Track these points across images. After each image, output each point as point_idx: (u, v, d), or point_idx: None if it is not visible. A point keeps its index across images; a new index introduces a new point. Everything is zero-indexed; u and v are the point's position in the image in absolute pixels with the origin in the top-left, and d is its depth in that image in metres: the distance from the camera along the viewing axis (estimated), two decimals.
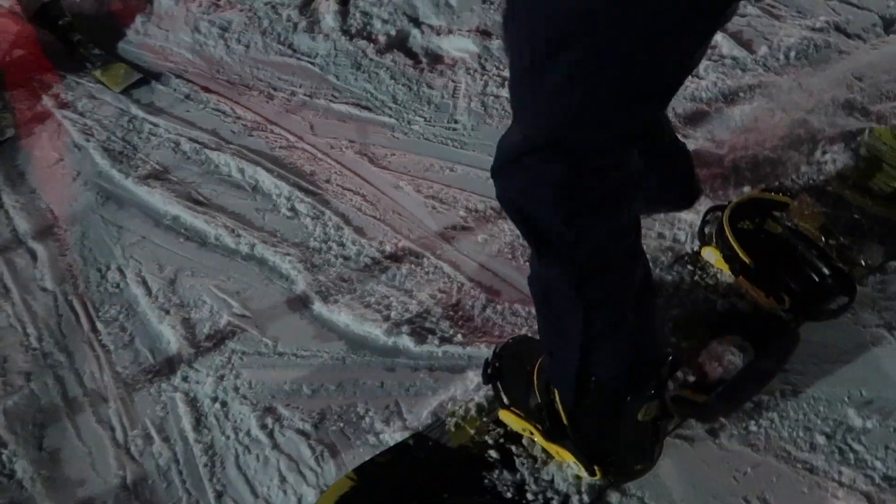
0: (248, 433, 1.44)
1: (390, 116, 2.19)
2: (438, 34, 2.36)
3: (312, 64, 2.41)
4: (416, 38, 2.37)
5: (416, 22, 2.41)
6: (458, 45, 2.33)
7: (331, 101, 2.29)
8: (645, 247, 1.25)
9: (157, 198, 2.03)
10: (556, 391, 1.20)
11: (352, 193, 1.97)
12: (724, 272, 1.53)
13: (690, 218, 1.69)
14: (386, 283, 1.72)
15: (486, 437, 1.33)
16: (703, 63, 2.09)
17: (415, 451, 1.34)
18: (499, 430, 1.33)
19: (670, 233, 1.70)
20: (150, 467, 1.40)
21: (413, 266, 1.75)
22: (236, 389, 1.51)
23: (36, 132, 2.41)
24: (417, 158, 2.03)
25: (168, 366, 1.60)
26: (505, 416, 1.31)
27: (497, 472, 1.28)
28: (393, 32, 2.39)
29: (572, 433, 1.21)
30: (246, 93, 2.40)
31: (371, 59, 2.35)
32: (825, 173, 1.74)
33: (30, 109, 2.54)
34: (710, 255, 1.56)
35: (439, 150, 2.06)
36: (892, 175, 1.69)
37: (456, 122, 2.11)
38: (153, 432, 1.46)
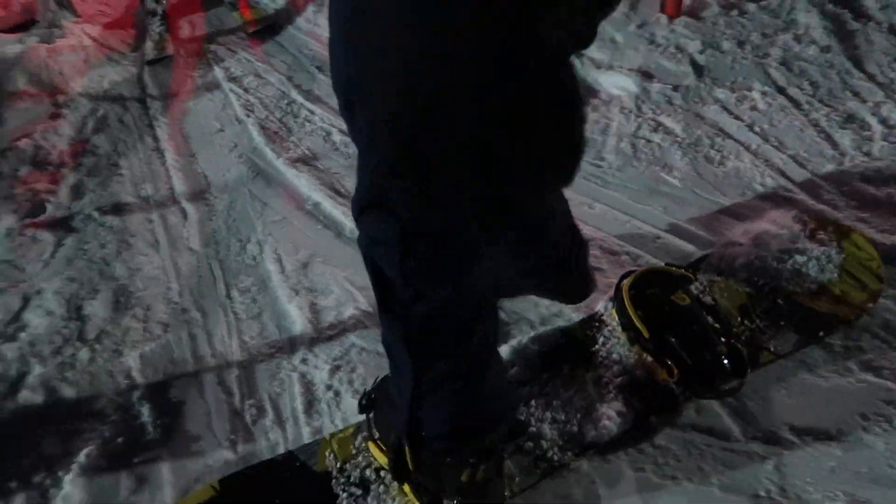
0: None
1: None
2: (598, 68, 2.35)
3: None
4: (577, 70, 2.36)
5: (579, 54, 2.40)
6: (616, 83, 2.31)
7: None
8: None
9: (303, 182, 2.12)
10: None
11: None
12: (624, 338, 1.53)
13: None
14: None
15: (350, 466, 1.34)
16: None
17: (281, 468, 1.36)
18: (366, 460, 1.34)
19: None
20: (260, 443, 1.46)
21: None
22: (350, 382, 1.55)
23: (205, 100, 2.59)
24: None
25: (290, 345, 1.66)
26: (371, 447, 1.32)
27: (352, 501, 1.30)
28: None
29: (413, 477, 1.22)
30: None
31: None
32: None
33: (202, 77, 2.73)
34: (614, 319, 1.56)
35: (580, 185, 2.03)
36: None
37: (602, 159, 2.09)
38: (267, 406, 1.53)
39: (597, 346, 1.53)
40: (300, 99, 2.50)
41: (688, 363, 1.40)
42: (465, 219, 1.04)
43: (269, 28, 2.95)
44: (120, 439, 1.48)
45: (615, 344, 1.53)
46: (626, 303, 1.50)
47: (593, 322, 1.59)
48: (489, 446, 1.20)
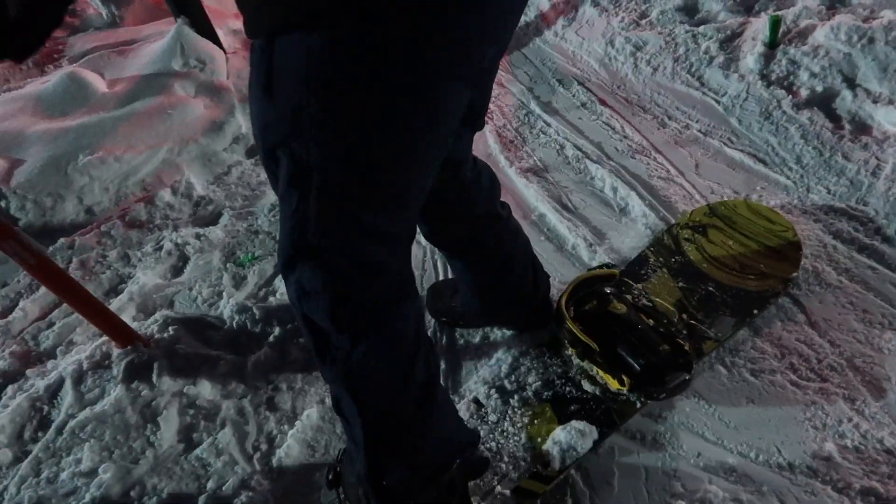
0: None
1: (788, 178, 2.01)
2: (875, 102, 2.08)
3: (717, 102, 2.32)
4: (845, 101, 2.12)
5: (851, 83, 2.15)
6: (894, 120, 2.03)
7: (725, 143, 2.18)
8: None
9: (532, 192, 2.15)
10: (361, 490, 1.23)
11: None
12: (574, 357, 1.57)
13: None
14: None
15: None
16: None
17: None
18: None
19: None
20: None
21: None
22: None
23: None
24: (808, 231, 1.83)
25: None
26: None
27: None
28: (819, 88, 2.17)
29: None
30: (640, 114, 2.41)
31: (784, 112, 2.17)
32: (681, 249, 1.79)
33: None
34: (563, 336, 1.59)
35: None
36: (745, 244, 1.76)
37: (866, 204, 1.85)
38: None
39: (552, 368, 1.58)
40: (538, 110, 2.54)
41: (636, 371, 1.46)
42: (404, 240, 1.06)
43: (514, 40, 3.03)
44: None
45: (568, 362, 1.58)
46: (568, 322, 1.53)
47: (538, 344, 1.64)
48: (449, 484, 1.19)
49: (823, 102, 2.15)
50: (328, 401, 1.63)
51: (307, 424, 1.58)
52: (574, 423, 1.43)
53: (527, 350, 1.64)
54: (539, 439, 1.44)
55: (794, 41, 2.29)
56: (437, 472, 1.20)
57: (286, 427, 1.59)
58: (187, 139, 2.59)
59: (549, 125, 2.45)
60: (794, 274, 1.65)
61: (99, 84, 2.80)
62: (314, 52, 0.82)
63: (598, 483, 1.39)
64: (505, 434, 1.49)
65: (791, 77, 2.24)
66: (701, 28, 2.52)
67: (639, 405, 1.48)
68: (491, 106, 2.63)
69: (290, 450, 1.53)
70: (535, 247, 1.96)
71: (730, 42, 2.45)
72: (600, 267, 1.75)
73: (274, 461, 1.52)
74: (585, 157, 2.25)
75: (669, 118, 2.35)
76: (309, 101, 0.86)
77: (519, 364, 1.62)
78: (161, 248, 2.16)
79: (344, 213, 0.97)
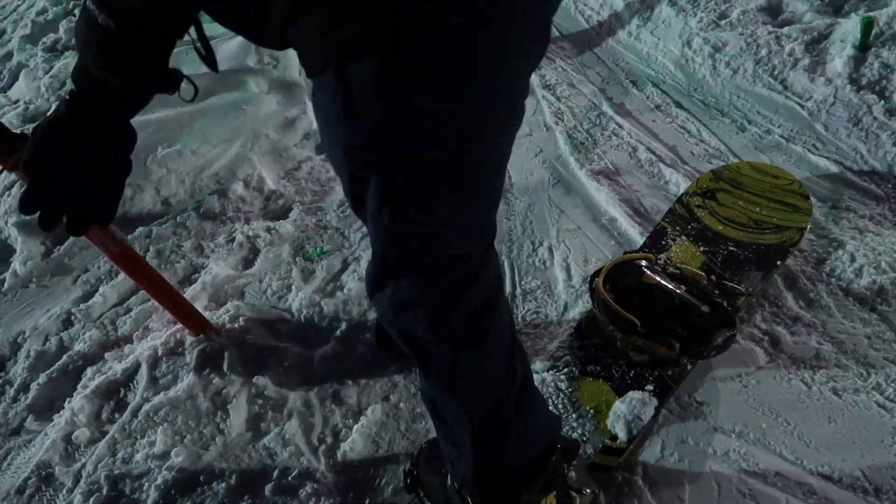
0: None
1: (878, 187, 1.90)
2: None
3: (802, 106, 2.22)
4: None
5: None
6: None
7: (810, 150, 2.09)
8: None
9: (602, 196, 2.11)
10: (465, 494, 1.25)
11: None
12: (617, 332, 1.60)
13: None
14: None
15: None
16: None
17: None
18: None
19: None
20: None
21: None
22: None
23: None
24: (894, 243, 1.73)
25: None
26: None
27: None
28: None
29: None
30: (717, 118, 2.33)
31: (875, 118, 2.06)
32: (696, 216, 1.85)
33: None
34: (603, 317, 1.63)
35: None
36: (755, 202, 1.84)
37: None
38: None
39: (596, 346, 1.62)
40: (610, 112, 2.49)
41: (683, 334, 1.51)
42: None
43: (586, 40, 2.98)
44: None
45: (613, 339, 1.61)
46: (607, 300, 1.57)
47: (580, 327, 1.69)
48: (551, 472, 1.22)
49: None
50: (392, 397, 1.64)
51: (372, 420, 1.59)
52: (632, 393, 1.47)
53: (564, 333, 1.68)
54: (600, 415, 1.47)
55: (887, 44, 2.17)
56: (541, 464, 1.21)
57: (350, 421, 1.60)
58: (259, 134, 2.65)
59: (621, 127, 2.40)
60: (807, 223, 1.74)
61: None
62: (390, 72, 0.82)
63: (670, 497, 1.35)
64: (566, 415, 1.50)
65: (883, 81, 2.12)
66: (785, 29, 2.42)
67: (690, 367, 1.53)
68: (561, 107, 2.60)
69: (354, 444, 1.55)
70: (604, 250, 1.93)
71: (816, 44, 2.34)
72: (634, 252, 1.78)
73: (339, 454, 1.54)
74: (659, 160, 2.19)
75: (749, 122, 2.26)
76: (393, 120, 0.86)
77: (562, 347, 1.64)
78: (233, 239, 2.21)
79: (438, 222, 0.97)
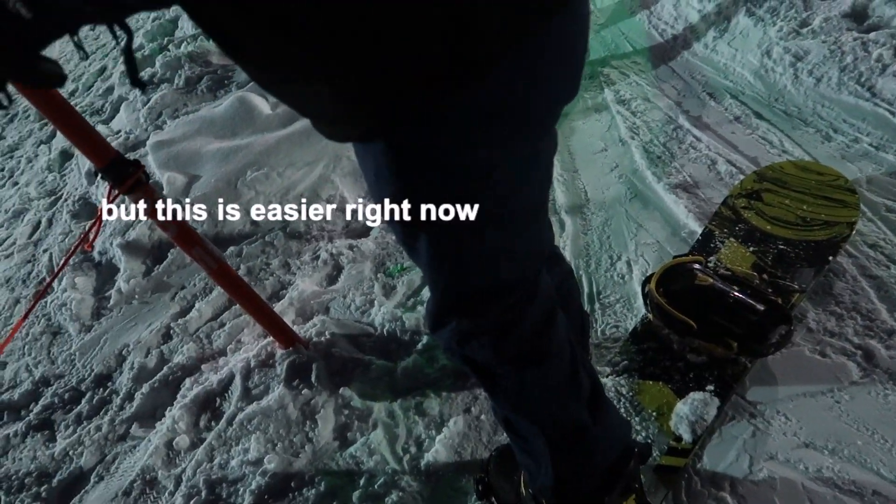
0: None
1: None
2: None
3: (892, 113, 2.14)
4: None
5: None
6: None
7: None
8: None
9: (681, 209, 2.09)
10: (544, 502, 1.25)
11: None
12: (673, 335, 1.61)
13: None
14: None
15: None
16: None
17: None
18: None
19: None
20: None
21: None
22: None
23: (592, 120, 2.72)
24: None
25: None
26: None
27: None
28: None
29: None
30: (801, 127, 2.27)
31: None
32: (742, 217, 1.85)
33: (592, 99, 2.87)
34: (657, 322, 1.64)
35: None
36: (802, 200, 1.83)
37: None
38: None
39: (653, 353, 1.62)
40: (687, 125, 2.46)
41: (739, 333, 1.50)
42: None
43: (660, 54, 2.96)
44: None
45: (669, 342, 1.62)
46: (662, 304, 1.57)
47: (636, 333, 1.69)
48: (632, 473, 1.23)
49: None
50: (474, 409, 1.67)
51: (454, 431, 1.62)
52: (693, 394, 1.48)
53: (619, 338, 1.70)
54: (663, 417, 1.48)
55: None
56: (620, 467, 1.22)
57: (433, 432, 1.64)
58: (340, 156, 2.76)
59: (699, 140, 2.37)
60: (856, 218, 1.72)
61: (263, 107, 3.05)
62: (441, 131, 0.82)
63: None
64: (629, 419, 1.51)
65: None
66: (872, 35, 2.35)
67: (749, 365, 1.52)
68: (637, 121, 2.59)
69: (437, 454, 1.58)
70: None
71: None
72: (686, 255, 1.78)
73: (422, 464, 1.57)
74: (740, 172, 2.15)
75: (835, 131, 2.20)
76: (435, 178, 0.88)
77: (620, 352, 1.66)
78: (318, 257, 2.31)
79: (491, 254, 0.99)
